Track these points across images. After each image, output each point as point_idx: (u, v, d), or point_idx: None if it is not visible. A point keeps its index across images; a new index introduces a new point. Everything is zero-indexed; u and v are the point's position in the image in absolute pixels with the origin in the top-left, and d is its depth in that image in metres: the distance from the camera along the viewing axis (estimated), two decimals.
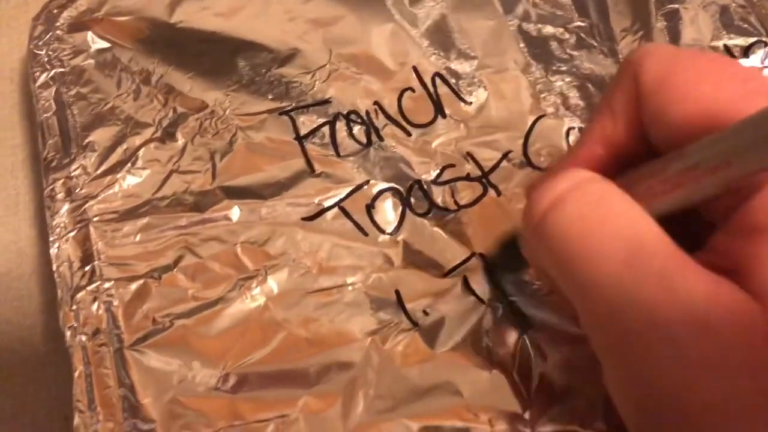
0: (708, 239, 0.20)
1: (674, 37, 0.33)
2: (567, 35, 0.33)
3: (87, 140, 0.30)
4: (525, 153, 0.31)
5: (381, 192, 0.30)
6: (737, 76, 0.20)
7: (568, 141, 0.31)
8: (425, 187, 0.30)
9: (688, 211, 0.20)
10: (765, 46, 0.33)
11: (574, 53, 0.33)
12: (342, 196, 0.30)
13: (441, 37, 0.33)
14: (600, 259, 0.19)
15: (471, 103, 0.32)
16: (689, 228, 0.20)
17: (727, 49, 0.33)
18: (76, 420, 0.26)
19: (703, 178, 0.18)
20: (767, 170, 0.17)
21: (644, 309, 0.18)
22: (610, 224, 0.19)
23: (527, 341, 0.27)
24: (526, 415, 0.26)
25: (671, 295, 0.18)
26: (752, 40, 0.33)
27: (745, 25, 0.33)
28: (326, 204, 0.30)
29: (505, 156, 0.31)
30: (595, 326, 0.20)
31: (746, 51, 0.33)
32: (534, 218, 0.20)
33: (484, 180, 0.30)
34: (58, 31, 0.33)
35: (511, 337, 0.27)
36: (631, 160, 0.21)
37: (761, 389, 0.17)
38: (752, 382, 0.17)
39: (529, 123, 0.31)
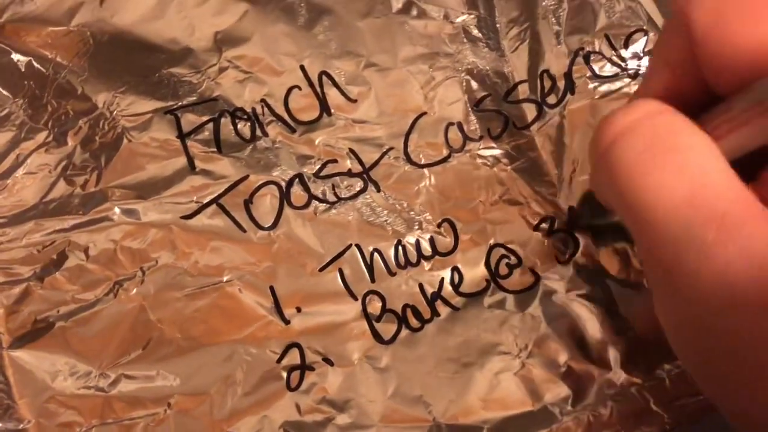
0: (761, 172, 0.20)
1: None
2: (453, 30, 0.33)
3: None
4: (405, 150, 0.31)
5: (260, 187, 0.30)
6: None
7: (446, 137, 0.31)
8: (306, 180, 0.30)
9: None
10: (645, 35, 0.32)
11: (460, 48, 0.32)
12: (219, 192, 0.30)
13: (329, 36, 0.33)
14: (662, 191, 0.18)
15: (356, 101, 0.32)
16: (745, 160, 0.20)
17: (607, 38, 0.32)
18: None
19: None
20: None
21: (701, 249, 0.18)
22: (677, 158, 0.19)
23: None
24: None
25: (731, 238, 0.17)
26: (633, 28, 0.32)
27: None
28: (204, 201, 0.30)
29: (386, 153, 0.31)
30: (650, 258, 0.20)
31: (626, 41, 0.33)
32: (602, 145, 0.20)
33: (364, 175, 0.30)
34: None
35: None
36: (693, 109, 0.21)
37: None
38: None
39: (411, 120, 0.31)
